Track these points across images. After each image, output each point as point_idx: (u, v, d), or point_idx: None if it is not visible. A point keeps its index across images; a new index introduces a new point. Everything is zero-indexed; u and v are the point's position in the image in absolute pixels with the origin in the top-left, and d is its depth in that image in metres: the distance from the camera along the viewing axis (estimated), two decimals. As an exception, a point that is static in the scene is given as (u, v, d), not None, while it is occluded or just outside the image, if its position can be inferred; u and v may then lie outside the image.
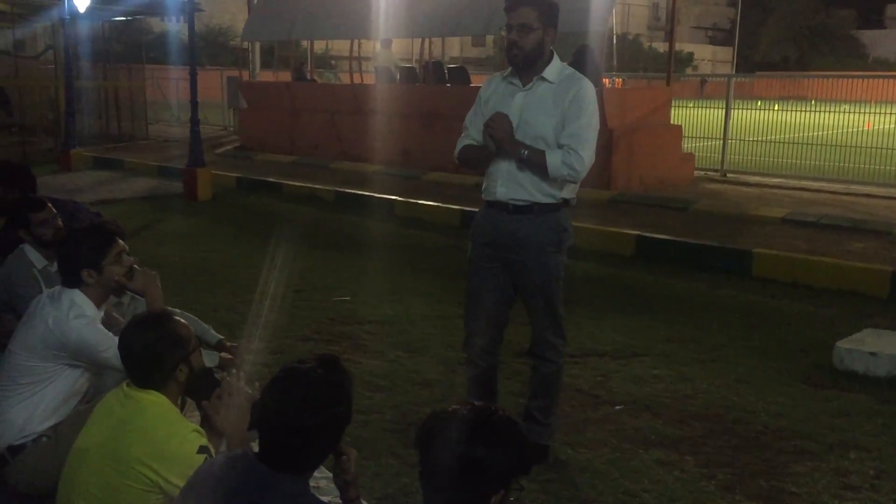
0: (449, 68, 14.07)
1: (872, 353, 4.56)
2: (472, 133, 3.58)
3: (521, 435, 1.81)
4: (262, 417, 2.00)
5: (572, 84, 3.39)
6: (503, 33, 3.41)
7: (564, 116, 3.35)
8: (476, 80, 15.13)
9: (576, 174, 3.35)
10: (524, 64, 3.38)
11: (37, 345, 2.92)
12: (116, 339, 2.86)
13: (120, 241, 3.10)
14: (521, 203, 3.43)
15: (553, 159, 3.32)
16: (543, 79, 3.39)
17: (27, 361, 2.92)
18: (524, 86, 3.42)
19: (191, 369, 2.52)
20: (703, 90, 21.09)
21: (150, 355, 2.46)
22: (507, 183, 3.43)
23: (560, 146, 3.34)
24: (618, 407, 4.18)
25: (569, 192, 3.48)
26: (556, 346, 3.59)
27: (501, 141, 3.37)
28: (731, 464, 3.59)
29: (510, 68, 3.48)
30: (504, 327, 3.68)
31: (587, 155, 3.34)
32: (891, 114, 12.55)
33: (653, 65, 43.16)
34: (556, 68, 3.41)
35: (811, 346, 5.10)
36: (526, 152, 3.34)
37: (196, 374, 2.55)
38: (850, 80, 15.74)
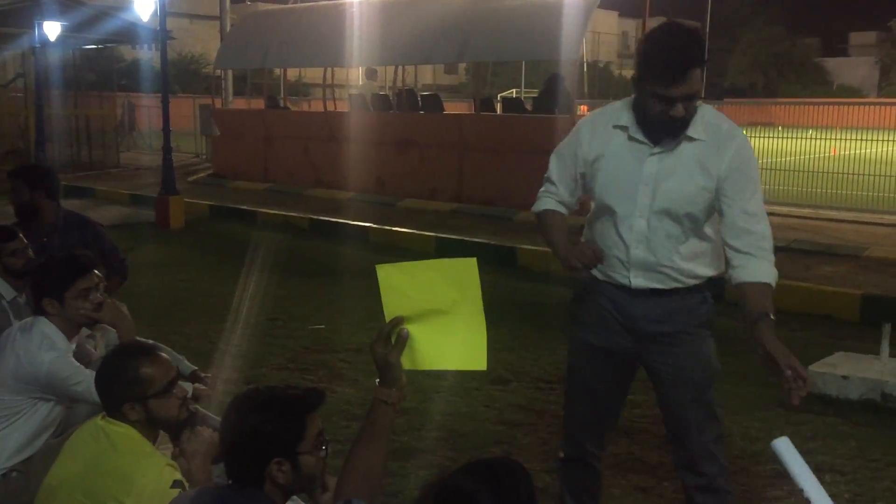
0: (422, 96, 14.17)
1: (844, 377, 4.61)
2: (560, 191, 2.83)
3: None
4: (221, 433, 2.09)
5: (728, 141, 2.61)
6: (658, 104, 2.51)
7: (721, 183, 2.59)
8: (449, 108, 15.24)
9: None
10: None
11: (7, 378, 2.86)
12: (88, 371, 2.82)
13: (94, 276, 3.02)
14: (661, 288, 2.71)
15: (770, 276, 2.58)
16: (690, 138, 2.60)
17: (-3, 395, 2.87)
18: (656, 145, 2.62)
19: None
20: None
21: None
22: (646, 274, 2.70)
23: (733, 223, 2.60)
24: (595, 433, 4.17)
25: (719, 267, 2.78)
26: (721, 460, 2.84)
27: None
28: (709, 489, 3.59)
29: (623, 112, 2.67)
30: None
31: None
32: (855, 140, 12.77)
33: (623, 92, 43.73)
34: (702, 122, 2.61)
35: (784, 369, 5.13)
36: (770, 313, 2.52)
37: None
38: (815, 106, 16.02)
